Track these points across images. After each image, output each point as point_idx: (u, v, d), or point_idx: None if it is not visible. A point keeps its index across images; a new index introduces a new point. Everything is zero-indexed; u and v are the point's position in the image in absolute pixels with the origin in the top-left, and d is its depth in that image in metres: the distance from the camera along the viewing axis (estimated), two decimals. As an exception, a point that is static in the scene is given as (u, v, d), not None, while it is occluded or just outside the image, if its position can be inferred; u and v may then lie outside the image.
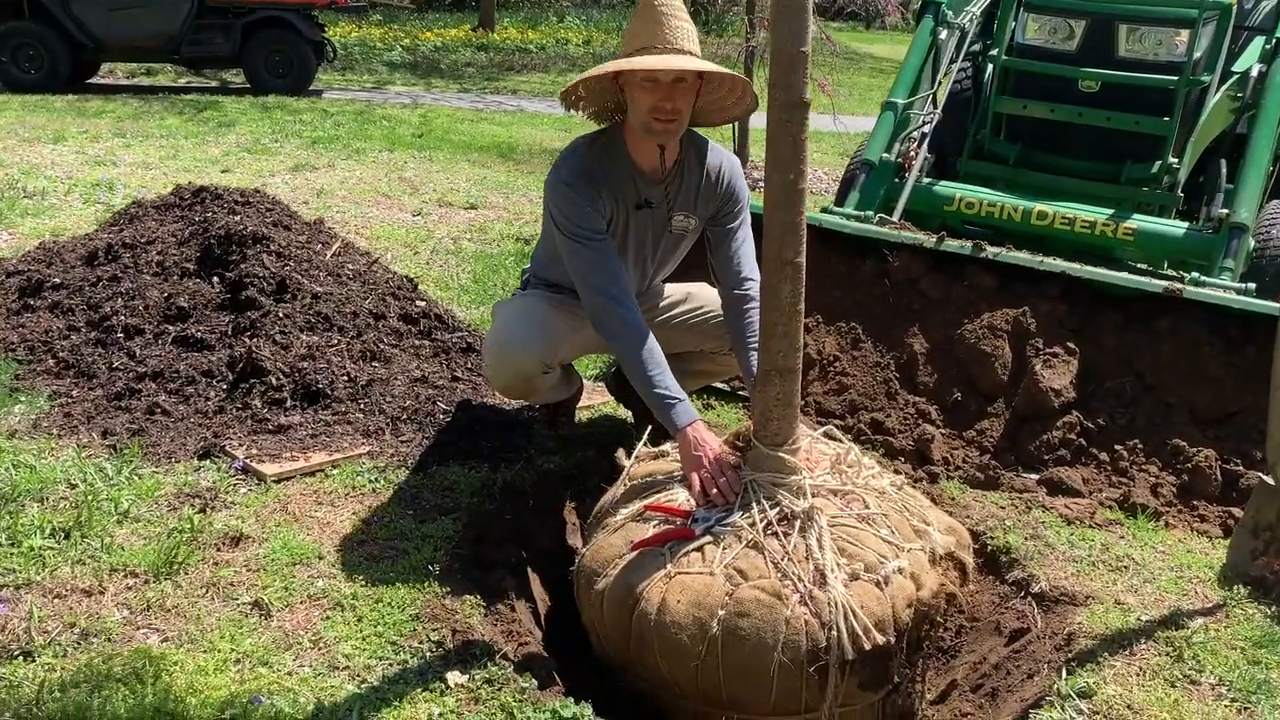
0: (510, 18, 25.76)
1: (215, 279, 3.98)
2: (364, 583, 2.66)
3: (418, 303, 4.11)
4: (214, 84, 14.39)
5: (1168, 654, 2.60)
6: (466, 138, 10.26)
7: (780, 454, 2.69)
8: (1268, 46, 4.79)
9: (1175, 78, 4.68)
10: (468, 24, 23.69)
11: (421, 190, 7.54)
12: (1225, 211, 4.32)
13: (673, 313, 3.47)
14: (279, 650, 2.39)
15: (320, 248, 4.18)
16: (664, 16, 2.82)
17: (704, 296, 3.48)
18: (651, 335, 2.95)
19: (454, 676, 2.35)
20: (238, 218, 4.17)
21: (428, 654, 2.42)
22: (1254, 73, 4.76)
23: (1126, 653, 2.61)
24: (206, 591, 2.58)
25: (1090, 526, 3.31)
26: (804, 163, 2.51)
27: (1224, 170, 4.79)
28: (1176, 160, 4.83)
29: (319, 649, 2.41)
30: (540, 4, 28.77)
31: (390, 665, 2.38)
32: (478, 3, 25.52)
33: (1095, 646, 2.63)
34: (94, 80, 13.67)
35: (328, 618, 2.52)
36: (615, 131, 3.07)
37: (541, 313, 3.23)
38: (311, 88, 13.54)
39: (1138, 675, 2.53)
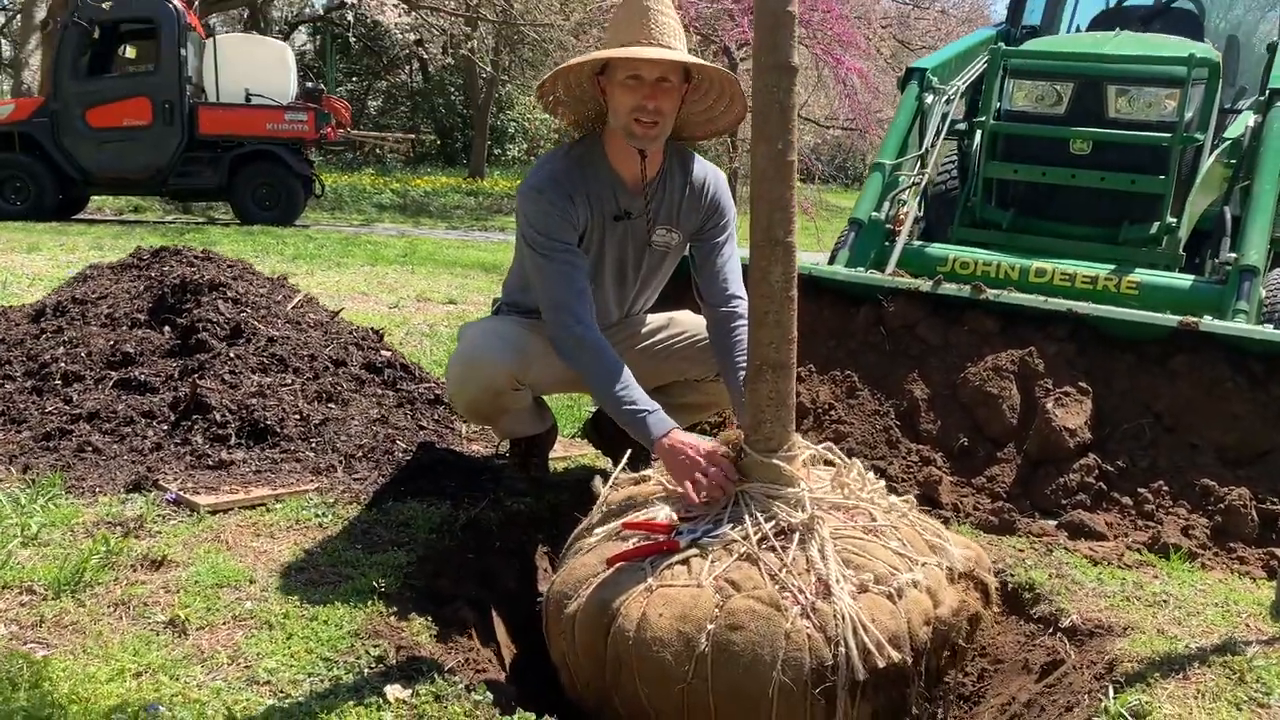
0: (502, 172, 26.37)
1: (166, 327, 3.72)
2: (299, 603, 2.31)
3: (383, 353, 3.84)
4: (201, 219, 14.44)
5: (1227, 677, 2.25)
6: (451, 258, 10.19)
7: (775, 461, 2.40)
8: (1261, 98, 4.72)
9: (1169, 135, 4.57)
10: (459, 175, 24.19)
11: (400, 290, 7.37)
12: (1234, 255, 4.13)
13: (654, 339, 3.22)
14: (189, 664, 2.03)
15: (281, 299, 3.93)
16: (649, 11, 2.65)
17: (686, 322, 3.24)
18: (614, 353, 2.71)
19: (394, 691, 1.98)
20: (194, 269, 3.94)
21: (365, 670, 2.06)
22: (1250, 122, 4.68)
23: (1180, 676, 2.25)
24: (114, 609, 2.23)
25: (1119, 567, 2.97)
26: (792, 132, 2.33)
27: (1228, 218, 4.65)
28: (1175, 220, 4.68)
29: (237, 664, 2.05)
30: (529, 163, 29.56)
31: (320, 681, 2.01)
32: (468, 160, 26.17)
33: (1143, 669, 2.28)
34: (80, 216, 13.69)
35: (252, 636, 2.16)
36: (595, 138, 2.89)
37: (513, 330, 2.98)
38: (298, 222, 13.58)
39: (1196, 697, 2.17)
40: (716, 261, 2.96)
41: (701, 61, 2.73)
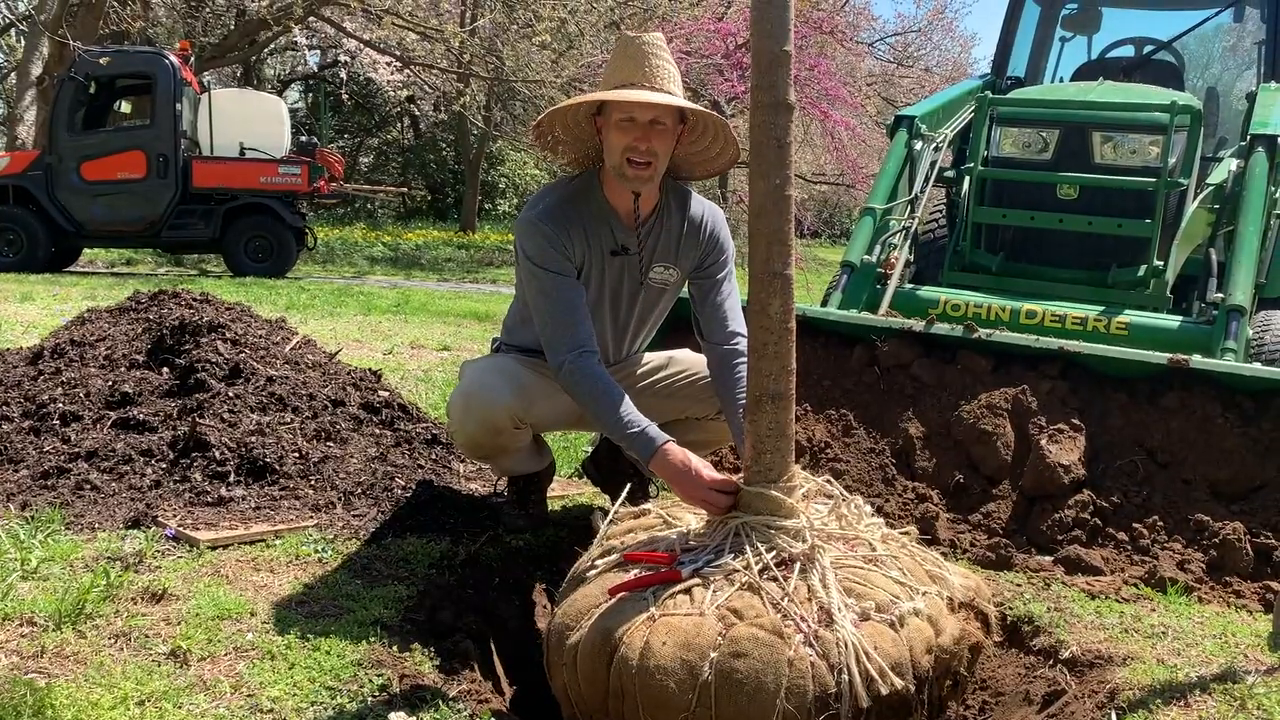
0: (492, 226, 26.53)
1: (165, 368, 3.73)
2: (300, 634, 2.31)
3: (380, 393, 3.85)
4: (193, 272, 14.49)
5: (1228, 704, 2.26)
6: (444, 308, 10.23)
7: (774, 492, 2.42)
8: (1242, 144, 4.83)
9: (1153, 180, 4.67)
10: (450, 230, 24.33)
11: (394, 337, 7.40)
12: (1220, 296, 4.21)
13: (654, 378, 3.24)
14: (192, 692, 2.02)
15: (280, 340, 3.95)
16: (645, 55, 2.70)
17: (686, 360, 3.27)
18: (613, 379, 2.76)
19: (398, 717, 1.98)
20: (193, 310, 3.97)
21: (369, 698, 2.06)
22: (1232, 167, 4.77)
23: (1181, 703, 2.26)
24: (116, 641, 2.22)
25: (1117, 600, 2.98)
26: (789, 167, 2.38)
27: (1214, 261, 4.72)
28: (1162, 263, 4.76)
29: (240, 693, 2.04)
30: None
31: (324, 709, 2.01)
32: (459, 214, 26.35)
33: (1144, 697, 2.29)
34: (72, 268, 13.71)
35: (255, 665, 2.16)
36: (592, 175, 2.94)
37: (514, 368, 3.01)
38: (290, 275, 13.62)
39: (1198, 723, 2.18)
40: (716, 298, 3.00)
41: (692, 105, 2.77)
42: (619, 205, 2.90)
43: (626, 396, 2.70)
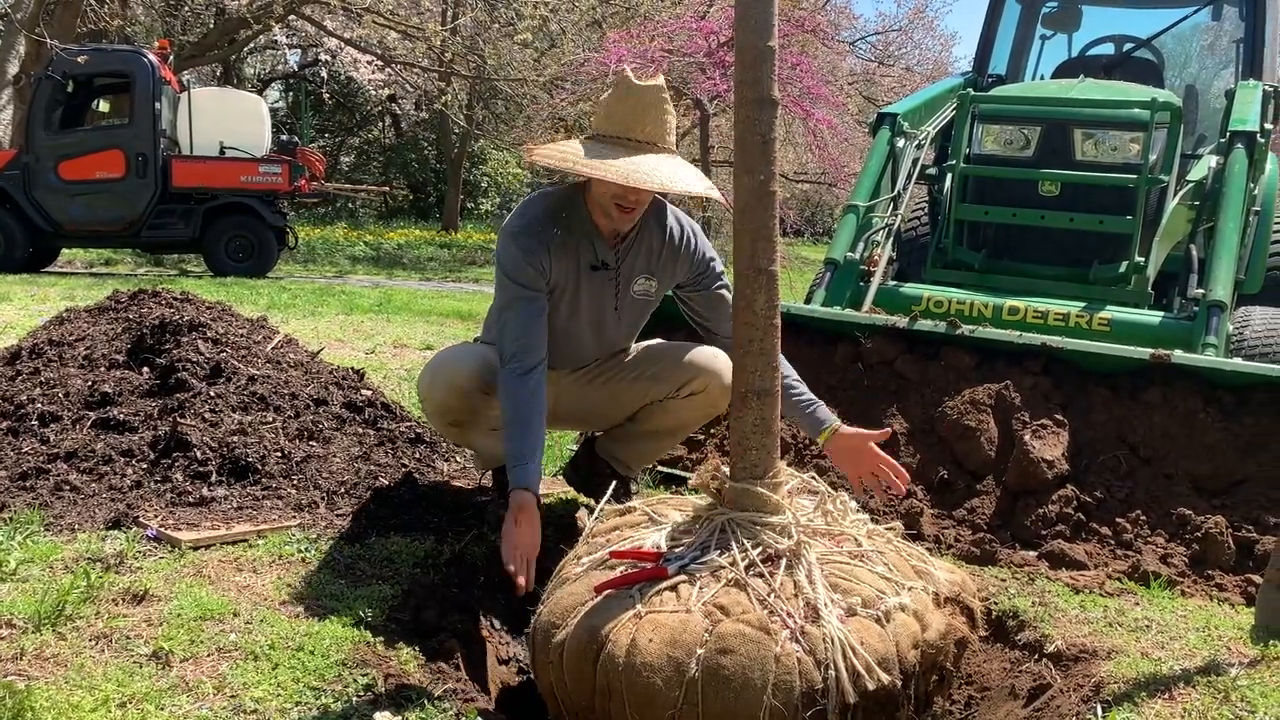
0: (474, 225, 26.47)
1: (145, 368, 3.69)
2: (284, 635, 2.29)
3: (363, 392, 3.83)
4: (173, 271, 14.39)
5: (1212, 696, 2.27)
6: (426, 307, 10.19)
7: (760, 489, 2.42)
8: (1222, 140, 4.86)
9: (1134, 176, 4.70)
10: (432, 229, 24.26)
11: (376, 337, 7.37)
12: (1201, 291, 4.24)
13: (616, 369, 3.25)
14: (175, 694, 2.00)
15: (261, 339, 3.93)
16: (649, 108, 2.70)
17: (639, 346, 3.30)
18: (540, 402, 2.77)
19: (384, 718, 1.96)
20: (173, 310, 3.93)
21: (354, 698, 2.05)
22: (1212, 164, 4.81)
23: (1165, 696, 2.27)
24: (96, 642, 2.20)
25: (1101, 594, 3.00)
26: (773, 163, 2.39)
27: (1194, 258, 4.76)
28: (1143, 259, 4.79)
29: (223, 694, 2.03)
30: (502, 216, 29.67)
31: (308, 709, 1.99)
32: (440, 214, 26.29)
33: (1129, 690, 2.30)
34: (50, 269, 13.59)
35: (238, 666, 2.14)
36: (576, 189, 2.95)
37: (484, 348, 3.04)
38: (271, 274, 13.54)
39: (1183, 715, 2.19)
40: (725, 305, 3.03)
41: (707, 189, 2.78)
42: (601, 223, 2.91)
43: (540, 421, 2.74)
